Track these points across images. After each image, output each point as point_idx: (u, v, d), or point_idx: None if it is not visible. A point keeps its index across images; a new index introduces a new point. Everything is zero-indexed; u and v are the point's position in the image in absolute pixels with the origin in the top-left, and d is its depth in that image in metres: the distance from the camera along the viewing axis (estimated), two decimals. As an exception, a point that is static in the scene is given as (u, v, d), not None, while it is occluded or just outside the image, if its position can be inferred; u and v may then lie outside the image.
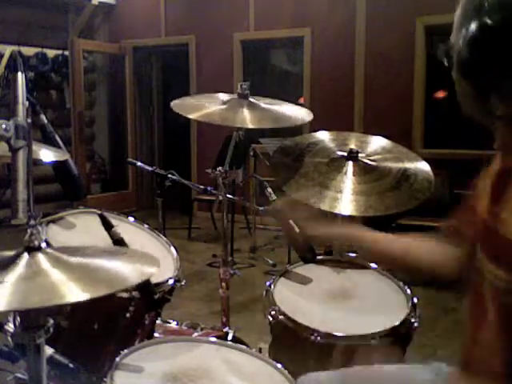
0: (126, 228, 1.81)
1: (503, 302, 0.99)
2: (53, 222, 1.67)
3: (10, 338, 1.25)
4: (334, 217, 1.57)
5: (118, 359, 1.28)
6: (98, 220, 1.54)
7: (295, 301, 1.82)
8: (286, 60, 7.49)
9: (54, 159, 1.46)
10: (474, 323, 1.09)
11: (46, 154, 1.42)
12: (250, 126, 1.98)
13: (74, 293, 0.83)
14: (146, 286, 1.50)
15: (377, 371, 1.39)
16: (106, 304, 1.50)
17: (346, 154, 2.06)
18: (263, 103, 2.12)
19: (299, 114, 2.16)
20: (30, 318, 0.92)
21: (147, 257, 1.03)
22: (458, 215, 1.25)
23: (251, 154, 5.67)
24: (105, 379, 1.23)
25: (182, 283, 1.75)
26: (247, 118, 1.99)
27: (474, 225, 1.14)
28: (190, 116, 2.00)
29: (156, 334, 1.77)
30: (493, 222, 1.03)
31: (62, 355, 1.27)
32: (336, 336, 1.64)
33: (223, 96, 2.16)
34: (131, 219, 1.97)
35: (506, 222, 0.99)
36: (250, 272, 4.89)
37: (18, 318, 0.94)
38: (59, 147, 1.61)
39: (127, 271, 0.94)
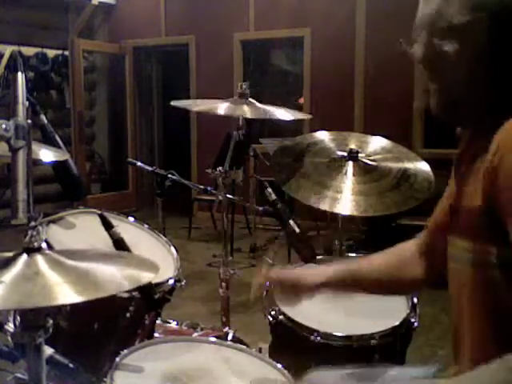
0: (126, 228, 1.81)
1: (474, 276, 1.00)
2: (53, 222, 1.67)
3: (9, 338, 1.25)
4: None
5: (117, 359, 1.28)
6: (98, 220, 1.54)
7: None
8: (286, 60, 7.48)
9: (54, 159, 1.46)
10: (457, 311, 1.09)
11: (46, 154, 1.42)
12: (249, 116, 1.98)
13: (65, 295, 0.83)
14: (146, 287, 1.50)
15: (378, 371, 1.39)
16: (106, 304, 1.49)
17: (345, 154, 2.06)
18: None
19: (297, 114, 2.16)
20: (30, 318, 0.92)
21: (146, 263, 1.03)
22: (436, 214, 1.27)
23: (251, 154, 5.67)
24: (105, 379, 1.23)
25: (182, 283, 1.75)
26: (246, 110, 1.99)
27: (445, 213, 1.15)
28: (194, 109, 2.00)
29: (156, 334, 1.77)
30: (456, 200, 1.05)
31: (61, 355, 1.27)
32: (336, 336, 1.64)
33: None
34: (131, 219, 1.97)
35: (464, 193, 1.00)
36: (250, 272, 4.89)
37: (18, 318, 0.94)
38: (59, 147, 1.61)
39: (123, 276, 0.94)
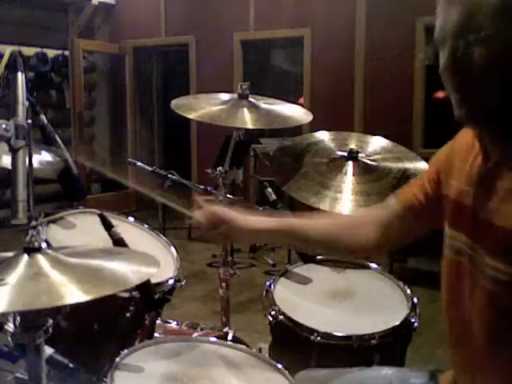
0: (126, 228, 1.82)
1: (499, 292, 0.99)
2: (53, 221, 1.67)
3: (9, 338, 1.25)
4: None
5: (117, 359, 1.28)
6: (97, 220, 1.54)
7: (295, 301, 1.82)
8: (286, 60, 7.48)
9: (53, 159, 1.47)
10: (457, 306, 1.10)
11: (46, 154, 1.42)
12: (250, 126, 1.98)
13: (73, 294, 0.83)
14: (145, 286, 1.50)
15: (374, 373, 1.39)
16: (106, 304, 1.49)
17: (346, 153, 2.06)
18: (263, 103, 2.12)
19: (299, 114, 2.16)
20: (30, 318, 0.92)
21: (147, 257, 1.03)
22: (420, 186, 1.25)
23: (251, 154, 5.67)
24: (105, 379, 1.23)
25: (182, 283, 1.75)
26: (247, 119, 1.99)
27: (448, 205, 1.14)
28: (190, 116, 2.00)
29: (156, 334, 1.77)
30: (486, 215, 1.02)
31: (61, 355, 1.27)
32: (336, 336, 1.64)
33: (223, 96, 2.16)
34: (131, 219, 1.97)
35: (501, 212, 0.98)
36: (250, 272, 4.89)
37: (18, 318, 0.94)
38: (59, 147, 1.61)
39: (127, 272, 0.94)
